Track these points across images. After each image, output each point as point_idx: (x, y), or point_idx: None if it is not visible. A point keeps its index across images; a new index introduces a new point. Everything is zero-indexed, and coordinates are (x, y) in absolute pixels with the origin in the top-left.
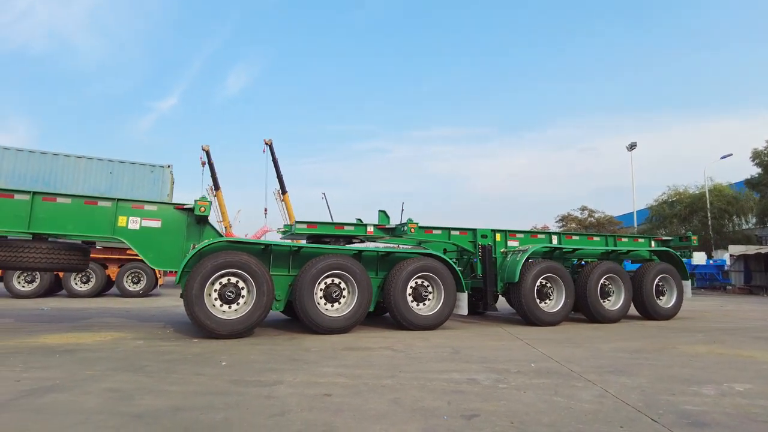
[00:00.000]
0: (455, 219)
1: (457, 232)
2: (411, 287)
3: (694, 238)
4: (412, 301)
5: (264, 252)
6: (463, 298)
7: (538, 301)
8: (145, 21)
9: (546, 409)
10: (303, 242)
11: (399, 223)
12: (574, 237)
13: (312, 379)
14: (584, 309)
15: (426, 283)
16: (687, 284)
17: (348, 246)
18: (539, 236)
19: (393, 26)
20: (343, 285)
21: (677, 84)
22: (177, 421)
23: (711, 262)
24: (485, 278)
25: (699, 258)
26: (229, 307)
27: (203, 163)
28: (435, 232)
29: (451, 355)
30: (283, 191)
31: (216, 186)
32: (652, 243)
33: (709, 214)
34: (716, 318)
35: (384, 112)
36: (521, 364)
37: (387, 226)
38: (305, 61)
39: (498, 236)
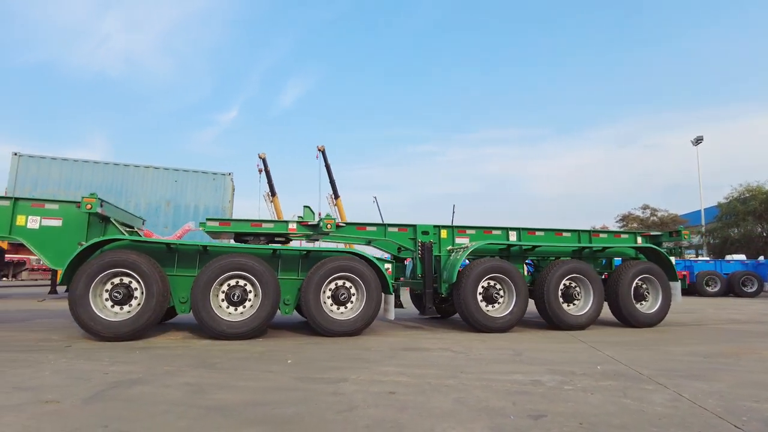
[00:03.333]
0: (509, 220)
1: (396, 229)
2: (330, 289)
3: (686, 232)
4: (331, 305)
5: (169, 251)
6: (390, 300)
7: (483, 304)
8: (209, 41)
9: (615, 411)
10: (216, 241)
11: (320, 219)
12: (538, 233)
13: (375, 377)
14: (543, 313)
15: (348, 285)
16: (676, 286)
17: (259, 245)
18: (494, 232)
19: (442, 32)
20: (248, 286)
21: (746, 75)
22: (251, 415)
23: None
24: (424, 278)
25: None
26: (120, 309)
27: (260, 171)
28: (370, 228)
29: (513, 357)
30: (336, 196)
31: (272, 192)
32: (639, 239)
33: None
34: None
35: (436, 116)
36: (586, 367)
37: (311, 223)
38: (357, 71)
39: (444, 232)
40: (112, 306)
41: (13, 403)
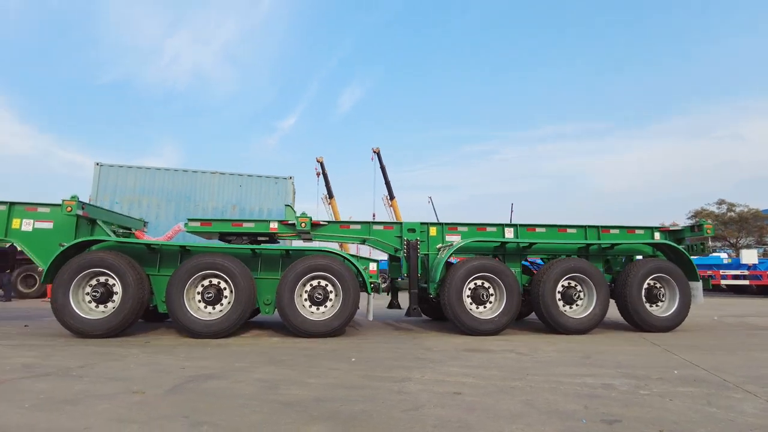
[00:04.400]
0: (571, 218)
1: (381, 227)
2: (306, 289)
3: (708, 227)
4: (309, 305)
5: (152, 252)
6: (371, 300)
7: (472, 305)
8: (270, 51)
9: (699, 419)
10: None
11: (295, 217)
12: (539, 229)
13: (439, 377)
14: (540, 316)
15: (326, 285)
16: (697, 286)
17: (238, 245)
18: (489, 228)
19: (495, 30)
20: (224, 286)
21: None
22: (321, 411)
23: None
24: (409, 278)
25: None
26: (98, 307)
27: (318, 174)
28: (354, 227)
29: (582, 360)
30: (391, 197)
31: (330, 194)
32: (656, 235)
33: None
34: None
35: (491, 114)
36: (662, 371)
37: (290, 222)
38: (411, 73)
39: (433, 230)
40: (96, 306)
41: (107, 392)
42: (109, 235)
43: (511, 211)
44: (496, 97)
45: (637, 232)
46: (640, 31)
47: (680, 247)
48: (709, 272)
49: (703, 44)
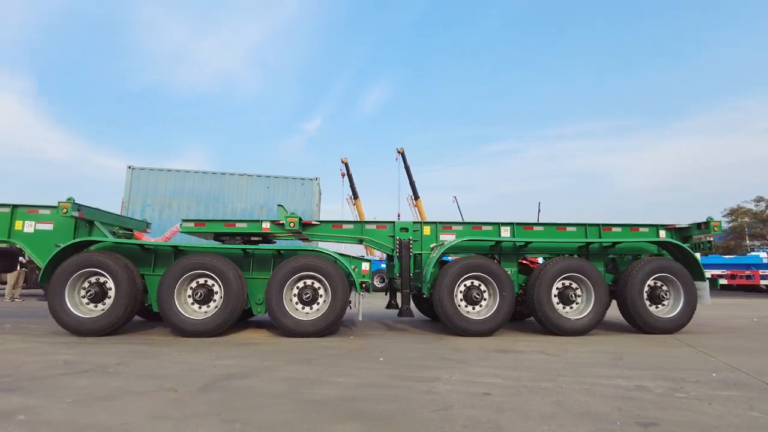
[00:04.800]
0: (595, 217)
1: (373, 226)
2: (298, 287)
3: (715, 224)
4: (297, 304)
5: (146, 252)
6: (360, 300)
7: (463, 305)
8: (295, 53)
9: (742, 424)
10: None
11: (284, 217)
12: (537, 227)
13: (468, 378)
14: (535, 316)
15: (315, 284)
16: (703, 286)
17: (229, 245)
18: (484, 227)
19: (516, 30)
20: (215, 286)
21: None
22: (350, 409)
23: None
24: (401, 278)
25: None
26: (94, 306)
27: (343, 175)
28: (346, 226)
29: (613, 361)
30: (416, 196)
31: (355, 195)
32: (661, 233)
33: None
34: None
35: (513, 113)
36: (699, 374)
37: (280, 222)
38: (435, 74)
39: (427, 229)
40: (91, 305)
41: (142, 389)
42: (106, 236)
43: (539, 210)
44: (515, 96)
45: (641, 230)
46: (657, 30)
47: (685, 245)
48: (748, 272)
49: (710, 44)
